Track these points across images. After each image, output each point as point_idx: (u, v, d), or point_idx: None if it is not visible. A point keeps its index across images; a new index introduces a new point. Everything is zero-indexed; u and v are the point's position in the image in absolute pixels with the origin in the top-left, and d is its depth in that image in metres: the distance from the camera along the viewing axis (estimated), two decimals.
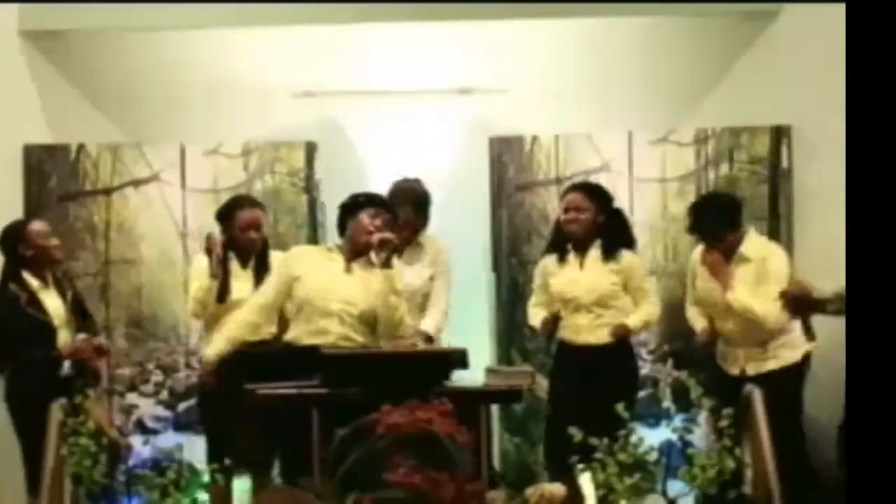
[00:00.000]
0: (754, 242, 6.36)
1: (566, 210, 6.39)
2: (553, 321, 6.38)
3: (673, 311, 6.87)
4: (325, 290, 5.84)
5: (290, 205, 6.61)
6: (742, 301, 6.19)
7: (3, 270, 6.47)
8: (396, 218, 6.06)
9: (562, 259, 6.40)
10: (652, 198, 7.14)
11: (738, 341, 6.31)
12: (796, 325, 6.28)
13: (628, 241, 6.45)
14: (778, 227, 6.96)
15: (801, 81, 6.96)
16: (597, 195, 6.41)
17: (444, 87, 7.44)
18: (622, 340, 6.35)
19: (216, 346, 6.12)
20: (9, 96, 7.15)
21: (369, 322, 5.90)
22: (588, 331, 6.33)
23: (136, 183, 7.24)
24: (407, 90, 7.43)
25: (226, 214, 6.43)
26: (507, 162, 7.23)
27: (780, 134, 7.07)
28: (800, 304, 5.96)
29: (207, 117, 7.46)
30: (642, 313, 6.38)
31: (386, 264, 5.84)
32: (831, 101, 6.18)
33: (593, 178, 6.93)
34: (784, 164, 7.00)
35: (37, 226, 6.48)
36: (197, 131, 7.41)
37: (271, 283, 6.06)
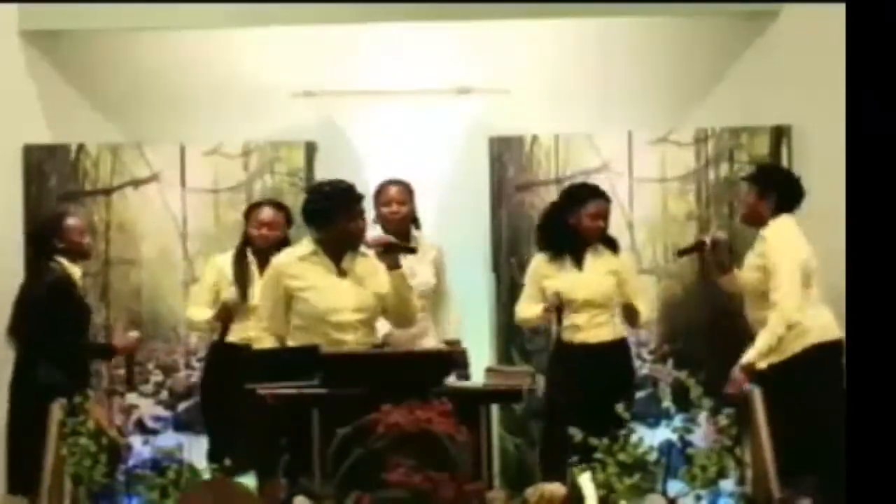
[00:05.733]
0: (778, 229, 6.20)
1: (596, 217, 6.32)
2: (556, 308, 6.30)
3: (673, 311, 6.86)
4: (330, 304, 5.70)
5: (290, 205, 6.63)
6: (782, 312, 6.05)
7: (36, 254, 6.50)
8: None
9: (553, 259, 6.38)
10: (652, 198, 7.15)
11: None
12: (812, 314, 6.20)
13: (616, 244, 6.48)
14: None
15: (801, 81, 6.97)
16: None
17: (443, 87, 7.43)
18: (621, 339, 6.36)
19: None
20: (9, 96, 7.15)
21: (375, 319, 5.87)
22: (587, 330, 6.32)
23: (136, 183, 7.25)
24: (407, 90, 7.42)
25: (246, 213, 6.65)
26: (507, 162, 7.23)
27: (780, 134, 7.07)
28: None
29: (207, 117, 7.45)
30: (646, 302, 6.42)
31: (394, 266, 5.78)
32: (831, 101, 6.19)
33: (593, 178, 6.92)
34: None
35: (73, 221, 6.49)
36: (197, 131, 7.40)
37: (267, 295, 5.81)
